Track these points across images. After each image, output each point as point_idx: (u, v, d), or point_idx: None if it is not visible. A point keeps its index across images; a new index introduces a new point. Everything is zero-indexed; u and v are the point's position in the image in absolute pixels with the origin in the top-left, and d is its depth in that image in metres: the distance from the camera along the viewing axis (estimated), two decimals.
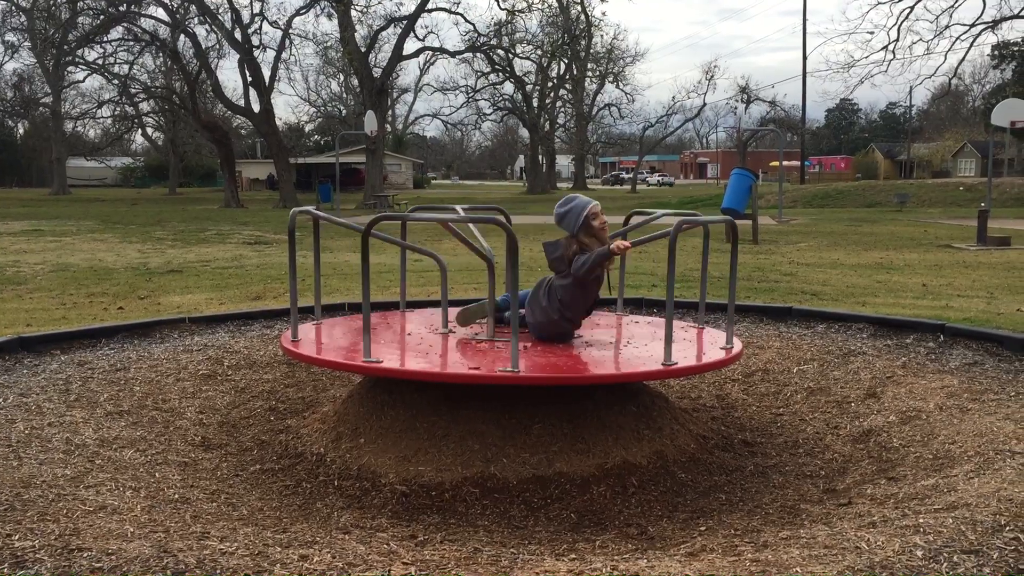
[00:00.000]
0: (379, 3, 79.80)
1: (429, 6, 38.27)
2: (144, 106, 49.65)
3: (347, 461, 3.96)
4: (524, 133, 67.25)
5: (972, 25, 33.01)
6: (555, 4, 45.29)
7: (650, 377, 4.38)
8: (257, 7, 36.77)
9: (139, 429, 4.36)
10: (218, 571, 2.57)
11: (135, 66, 42.69)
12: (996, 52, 47.57)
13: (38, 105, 55.02)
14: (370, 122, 32.76)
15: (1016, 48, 46.14)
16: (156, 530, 2.98)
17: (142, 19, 37.63)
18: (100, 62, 40.62)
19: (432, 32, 68.95)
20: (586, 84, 60.52)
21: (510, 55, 45.62)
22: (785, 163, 36.01)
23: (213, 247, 16.61)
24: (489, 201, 42.58)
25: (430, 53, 45.36)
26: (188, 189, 59.68)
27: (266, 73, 37.77)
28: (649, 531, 3.42)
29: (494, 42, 42.37)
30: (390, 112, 62.38)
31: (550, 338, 4.28)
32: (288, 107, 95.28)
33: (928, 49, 52.76)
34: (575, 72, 57.91)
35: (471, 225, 4.64)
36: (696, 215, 5.10)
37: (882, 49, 33.88)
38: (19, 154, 66.17)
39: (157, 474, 3.79)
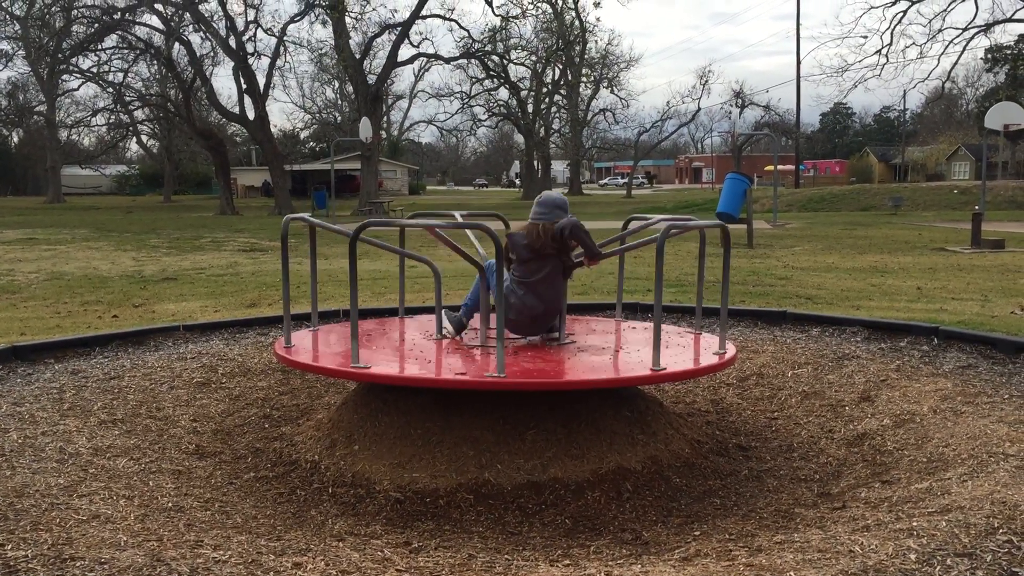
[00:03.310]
0: (373, 10, 79.90)
1: (423, 13, 38.30)
2: (139, 114, 49.58)
3: (341, 468, 3.95)
4: (519, 139, 67.32)
5: (965, 29, 33.21)
6: (549, 10, 45.44)
7: (642, 382, 4.39)
8: (251, 15, 36.80)
9: (133, 438, 4.36)
10: None
11: (129, 74, 42.69)
12: (989, 55, 47.84)
13: (32, 113, 54.99)
14: (365, 129, 32.73)
15: (1009, 51, 46.37)
16: (149, 539, 2.97)
17: (136, 27, 37.61)
18: (94, 70, 40.55)
19: (427, 39, 69.19)
20: (581, 89, 60.55)
21: (505, 61, 45.63)
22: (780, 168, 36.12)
23: (208, 254, 16.60)
24: (485, 207, 42.62)
25: (425, 59, 45.38)
26: (183, 197, 59.61)
27: (261, 80, 37.73)
28: (643, 536, 3.43)
29: (489, 48, 42.39)
30: (385, 118, 62.48)
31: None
32: (283, 114, 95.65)
33: (921, 53, 52.77)
34: (570, 77, 57.93)
35: (468, 232, 4.64)
36: (691, 219, 5.11)
37: (875, 53, 34.03)
38: (14, 162, 66.12)
39: (151, 482, 3.78)
